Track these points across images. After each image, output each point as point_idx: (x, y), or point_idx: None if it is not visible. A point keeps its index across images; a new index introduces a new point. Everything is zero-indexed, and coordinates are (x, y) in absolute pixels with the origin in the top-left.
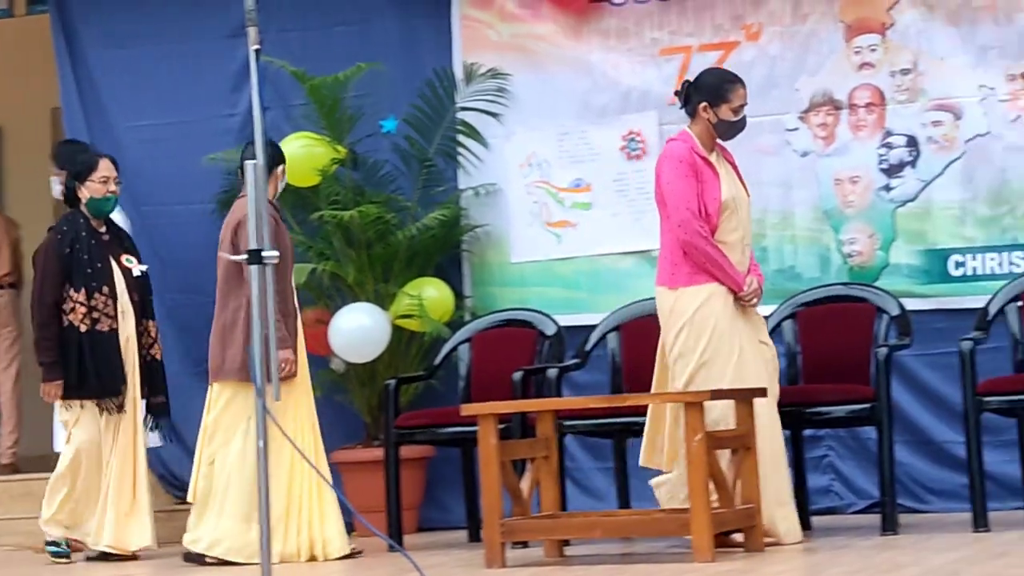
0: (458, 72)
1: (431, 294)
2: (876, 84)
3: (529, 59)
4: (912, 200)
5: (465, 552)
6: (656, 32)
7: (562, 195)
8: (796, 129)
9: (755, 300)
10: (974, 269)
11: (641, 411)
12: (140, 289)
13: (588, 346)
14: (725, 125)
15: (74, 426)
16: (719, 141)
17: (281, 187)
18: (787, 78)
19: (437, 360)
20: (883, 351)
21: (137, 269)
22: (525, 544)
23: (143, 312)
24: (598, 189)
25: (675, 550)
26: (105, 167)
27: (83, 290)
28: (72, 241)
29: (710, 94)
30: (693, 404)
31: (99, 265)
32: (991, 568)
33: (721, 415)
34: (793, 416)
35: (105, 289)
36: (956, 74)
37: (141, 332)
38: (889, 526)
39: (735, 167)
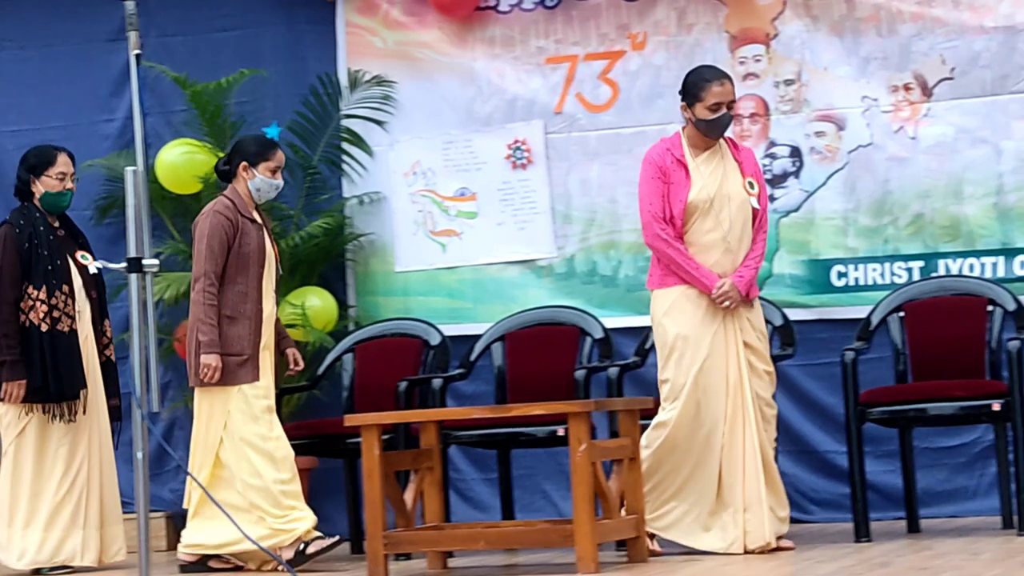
0: (343, 79)
1: (314, 303)
2: (760, 94)
3: (414, 67)
4: (795, 210)
5: (348, 564)
6: (542, 40)
7: (447, 204)
8: None
9: (727, 302)
10: (856, 279)
11: (526, 421)
12: (97, 287)
13: (473, 356)
14: (704, 124)
15: (19, 435)
16: (731, 138)
17: (262, 186)
18: (672, 88)
19: (320, 370)
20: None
21: (93, 266)
22: (408, 556)
23: (100, 311)
24: (483, 198)
25: (559, 560)
26: (63, 162)
27: (43, 288)
28: (30, 236)
29: (687, 93)
30: (578, 414)
31: (58, 262)
32: None
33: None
34: None
35: (65, 287)
36: (839, 85)
37: (99, 333)
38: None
39: (745, 164)
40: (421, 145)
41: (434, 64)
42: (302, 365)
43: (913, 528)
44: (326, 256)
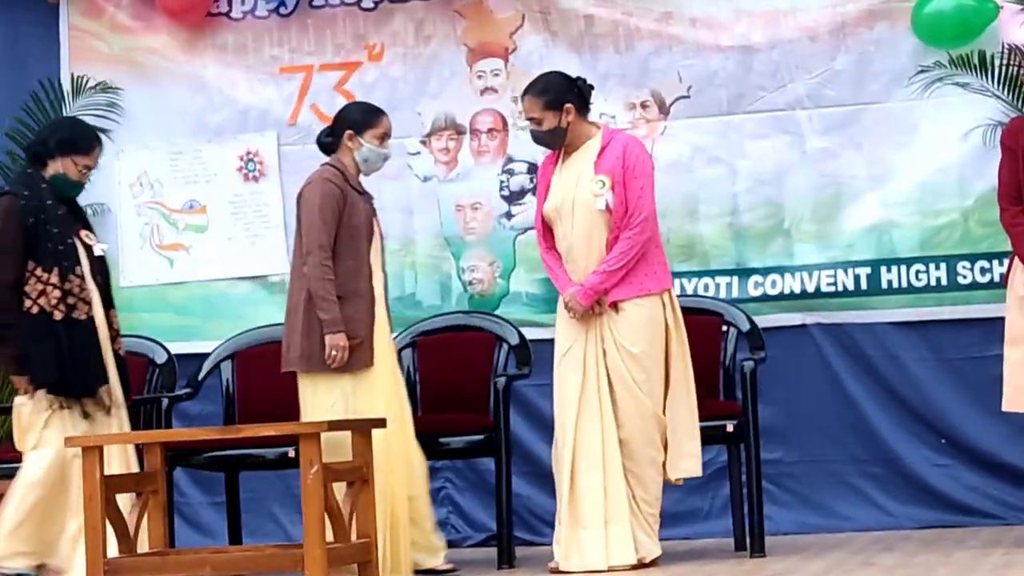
0: (66, 84)
1: None
2: (499, 109)
3: (142, 73)
4: (532, 228)
5: None
6: (276, 49)
7: (175, 217)
8: (418, 153)
9: (570, 313)
10: None
11: (254, 442)
12: (103, 272)
13: (201, 375)
14: (534, 135)
15: (44, 429)
16: (616, 133)
17: (369, 156)
18: (409, 101)
19: None
20: (501, 380)
21: (98, 247)
22: None
23: (107, 298)
24: (213, 211)
25: None
26: (95, 156)
27: (55, 270)
28: (36, 210)
29: None
30: (310, 435)
31: (69, 241)
32: None
33: None
34: None
35: (77, 270)
36: None
37: (109, 323)
38: (505, 559)
39: (602, 160)
40: (148, 155)
41: (163, 71)
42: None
43: None
44: None
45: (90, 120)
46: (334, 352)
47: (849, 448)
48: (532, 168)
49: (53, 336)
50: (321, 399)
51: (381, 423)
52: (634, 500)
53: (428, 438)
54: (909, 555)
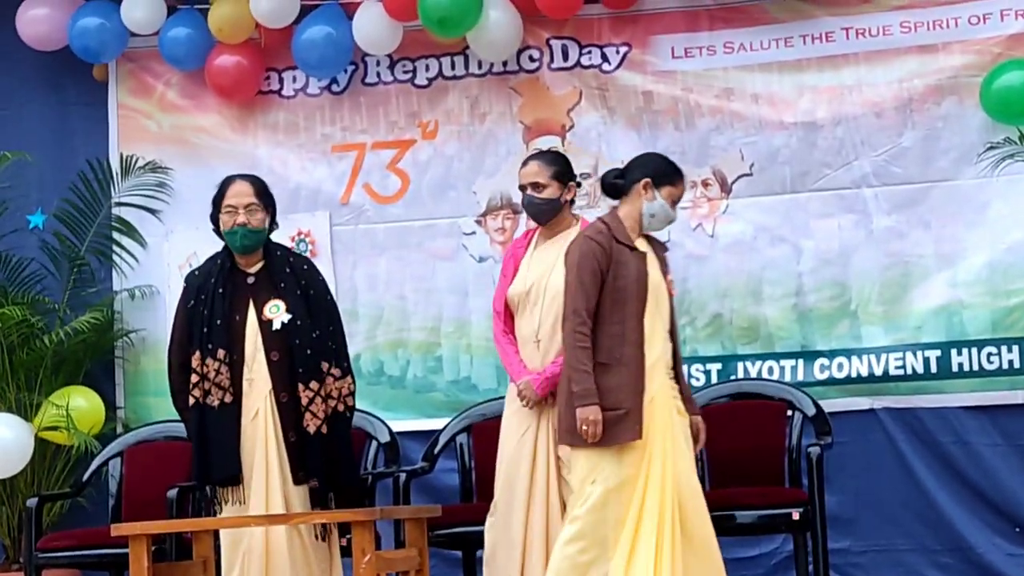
0: (114, 164)
1: (80, 404)
2: None
3: (191, 152)
4: None
5: None
6: (328, 127)
7: None
8: (473, 233)
9: (523, 402)
10: None
11: None
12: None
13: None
14: (528, 201)
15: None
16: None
17: (658, 212)
18: (464, 180)
19: (85, 476)
20: None
21: (278, 321)
22: None
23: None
24: None
25: None
26: (233, 193)
27: (196, 353)
28: (198, 291)
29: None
30: (363, 523)
31: (218, 321)
32: None
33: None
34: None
35: (221, 352)
36: None
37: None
38: None
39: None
40: (198, 236)
41: (212, 150)
42: (702, 441)
43: None
44: (93, 353)
45: (139, 200)
46: (584, 426)
47: (919, 537)
48: None
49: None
50: (584, 475)
51: (435, 511)
52: None
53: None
54: None
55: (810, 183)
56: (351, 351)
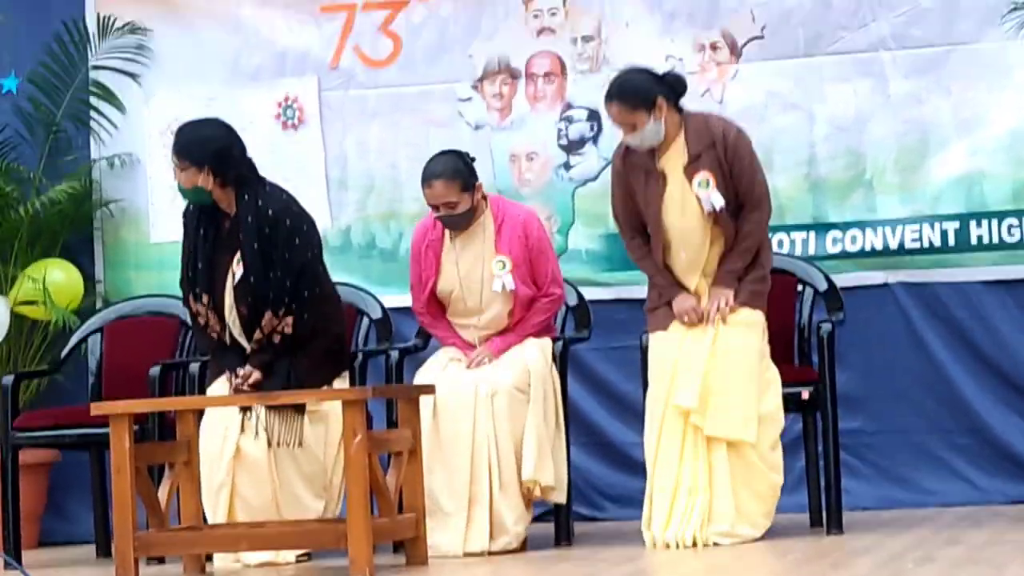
0: (91, 25)
1: (57, 277)
2: (556, 52)
3: (173, 14)
4: (593, 180)
5: (93, 569)
6: None
7: None
8: (469, 99)
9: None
10: None
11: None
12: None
13: None
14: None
15: None
16: (501, 202)
17: None
18: (460, 43)
19: (64, 353)
20: (558, 345)
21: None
22: (162, 560)
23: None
24: None
25: (330, 564)
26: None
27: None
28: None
29: None
30: (353, 402)
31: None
32: None
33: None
34: None
35: (205, 297)
36: (642, 42)
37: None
38: (563, 536)
39: (501, 239)
40: (180, 101)
41: (195, 11)
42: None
43: None
44: (71, 225)
45: (117, 64)
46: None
47: (934, 417)
48: (593, 115)
49: None
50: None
51: (430, 389)
52: None
53: None
54: (999, 532)
55: (824, 46)
56: (344, 222)
